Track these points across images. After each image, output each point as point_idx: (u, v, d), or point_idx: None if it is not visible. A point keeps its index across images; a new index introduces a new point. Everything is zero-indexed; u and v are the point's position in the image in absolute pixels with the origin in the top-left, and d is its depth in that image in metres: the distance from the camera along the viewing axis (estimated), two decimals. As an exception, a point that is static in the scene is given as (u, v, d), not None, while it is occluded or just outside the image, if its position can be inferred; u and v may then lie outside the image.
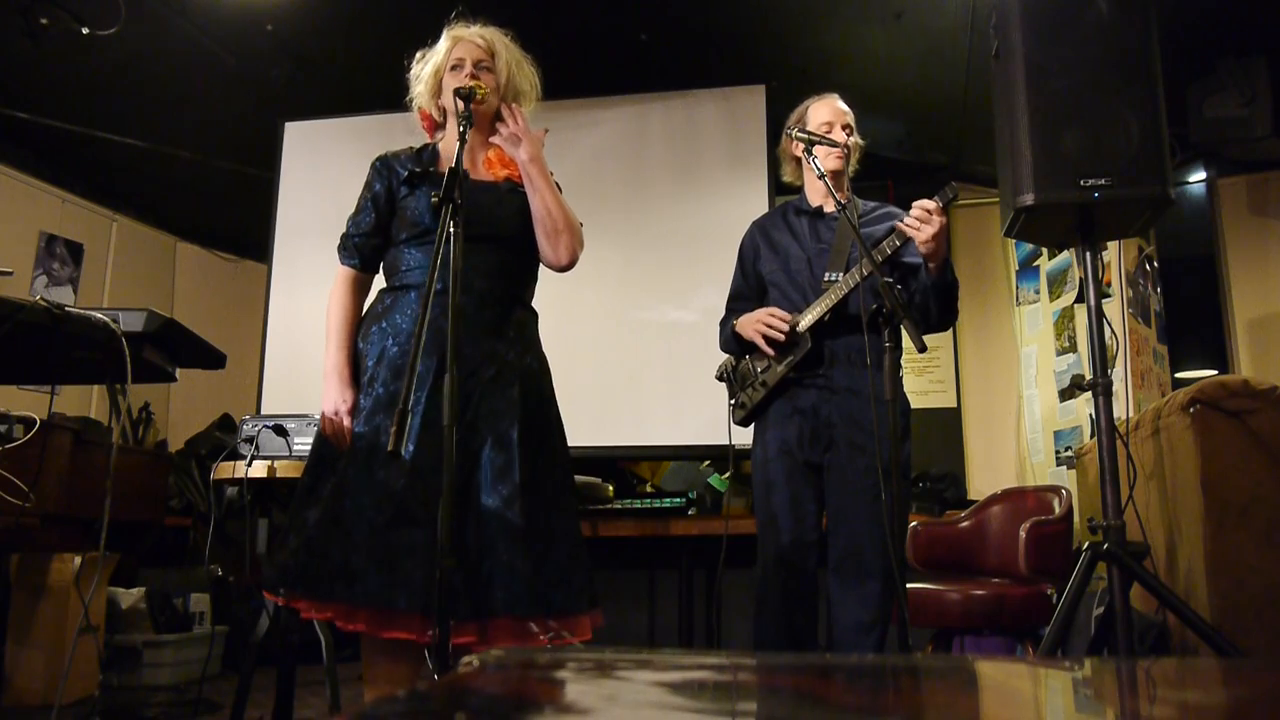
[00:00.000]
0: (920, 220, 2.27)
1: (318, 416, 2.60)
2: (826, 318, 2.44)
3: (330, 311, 2.09)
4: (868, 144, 2.66)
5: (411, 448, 1.87)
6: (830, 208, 2.60)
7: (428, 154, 2.17)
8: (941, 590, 2.73)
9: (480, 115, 2.09)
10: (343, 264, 2.14)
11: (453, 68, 2.11)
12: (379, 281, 2.18)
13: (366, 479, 1.90)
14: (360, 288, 2.14)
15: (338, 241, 2.16)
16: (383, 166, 2.14)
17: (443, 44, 2.17)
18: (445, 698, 0.64)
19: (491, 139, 2.13)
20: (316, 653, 2.76)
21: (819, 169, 2.37)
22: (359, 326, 2.10)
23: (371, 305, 2.13)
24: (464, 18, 2.20)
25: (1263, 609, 2.32)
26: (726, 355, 2.71)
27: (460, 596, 1.82)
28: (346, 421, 1.97)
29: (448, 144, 2.14)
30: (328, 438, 2.00)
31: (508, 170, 2.11)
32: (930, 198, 2.33)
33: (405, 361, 1.95)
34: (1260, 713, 0.64)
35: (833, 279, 2.47)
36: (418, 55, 2.21)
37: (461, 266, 1.72)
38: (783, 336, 2.45)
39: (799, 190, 2.72)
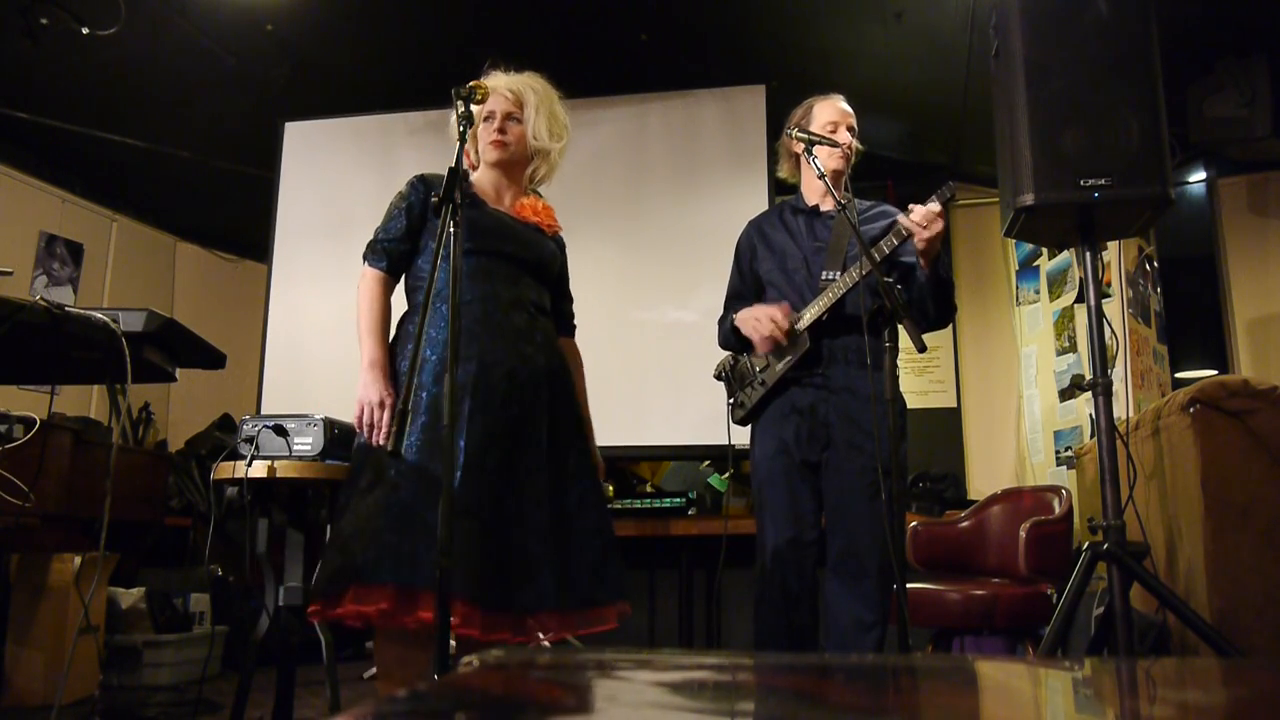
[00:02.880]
0: (926, 220, 2.27)
1: (318, 416, 2.62)
2: (824, 317, 2.44)
3: (363, 310, 2.13)
4: (868, 144, 2.66)
5: (462, 442, 1.93)
6: (826, 206, 2.59)
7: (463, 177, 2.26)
8: (941, 590, 2.73)
9: (505, 166, 2.24)
10: (371, 266, 2.18)
11: (485, 119, 2.22)
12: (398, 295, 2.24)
13: (424, 476, 1.93)
14: (387, 289, 2.19)
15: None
16: (420, 183, 2.22)
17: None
18: (445, 698, 0.64)
19: None
20: (316, 653, 2.75)
21: (819, 169, 2.37)
22: (394, 345, 2.16)
23: (401, 325, 2.18)
24: (496, 66, 2.29)
25: (1263, 609, 2.32)
26: (725, 354, 2.71)
27: (500, 588, 1.90)
28: (386, 414, 2.01)
29: (479, 180, 2.26)
30: (363, 430, 2.03)
31: (536, 219, 2.25)
32: (929, 197, 2.33)
33: (443, 369, 1.99)
34: (1260, 713, 0.64)
35: (830, 278, 2.47)
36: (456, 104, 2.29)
37: (486, 276, 1.92)
38: (784, 340, 2.45)
39: (797, 189, 2.72)
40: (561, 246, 2.34)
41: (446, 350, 1.94)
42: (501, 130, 2.20)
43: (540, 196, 2.34)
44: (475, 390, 1.99)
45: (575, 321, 2.43)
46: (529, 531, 1.97)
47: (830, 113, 2.57)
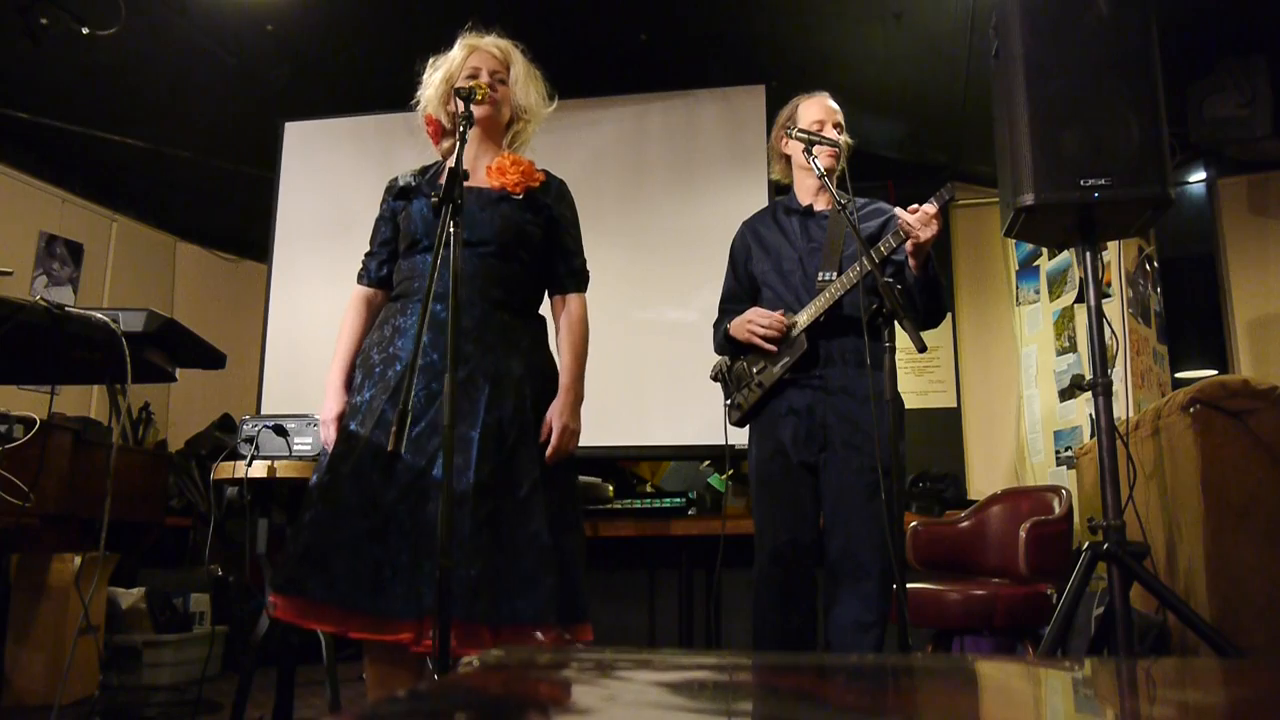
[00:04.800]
0: (921, 223, 2.27)
1: (318, 416, 2.62)
2: (821, 319, 2.44)
3: (340, 329, 2.17)
4: (868, 144, 2.66)
5: (367, 448, 1.92)
6: (820, 206, 2.59)
7: (433, 169, 2.22)
8: (941, 590, 2.73)
9: (487, 126, 2.13)
10: (356, 283, 2.21)
11: (468, 77, 2.11)
12: None
13: (331, 480, 1.94)
14: (368, 305, 2.19)
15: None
16: (391, 185, 2.21)
17: (457, 51, 2.16)
18: (445, 698, 0.64)
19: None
20: (316, 653, 2.75)
21: (819, 168, 2.37)
22: (373, 337, 2.13)
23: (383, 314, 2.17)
24: (478, 27, 2.20)
25: (1263, 609, 2.32)
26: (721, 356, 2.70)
27: (400, 597, 1.83)
28: (332, 430, 2.04)
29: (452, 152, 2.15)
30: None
31: (503, 180, 2.10)
32: (929, 198, 2.34)
33: (383, 369, 2.01)
34: (1260, 713, 0.64)
35: (826, 279, 2.46)
36: (430, 61, 2.21)
37: (442, 271, 1.72)
38: (779, 334, 2.45)
39: (792, 189, 2.71)
40: (537, 201, 2.12)
41: (388, 351, 2.00)
42: (491, 88, 2.09)
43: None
44: (394, 393, 1.93)
45: (580, 273, 2.20)
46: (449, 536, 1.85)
47: (816, 111, 2.56)
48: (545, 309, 2.22)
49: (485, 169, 2.14)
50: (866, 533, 2.34)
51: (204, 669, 3.36)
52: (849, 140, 2.57)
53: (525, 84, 2.16)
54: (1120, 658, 2.05)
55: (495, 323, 2.01)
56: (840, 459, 2.40)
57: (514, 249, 2.06)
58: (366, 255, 2.22)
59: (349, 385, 2.08)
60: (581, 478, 3.76)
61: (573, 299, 2.17)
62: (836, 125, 2.54)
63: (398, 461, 1.87)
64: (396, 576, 1.84)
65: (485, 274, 2.02)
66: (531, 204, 2.11)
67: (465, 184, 2.04)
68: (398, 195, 2.17)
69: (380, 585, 1.85)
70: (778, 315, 2.46)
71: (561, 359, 2.13)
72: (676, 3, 3.95)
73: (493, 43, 2.16)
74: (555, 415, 2.04)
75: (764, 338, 2.46)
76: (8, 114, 4.37)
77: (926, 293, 2.41)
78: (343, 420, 2.02)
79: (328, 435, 2.04)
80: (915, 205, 2.32)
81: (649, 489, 4.30)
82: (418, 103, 2.23)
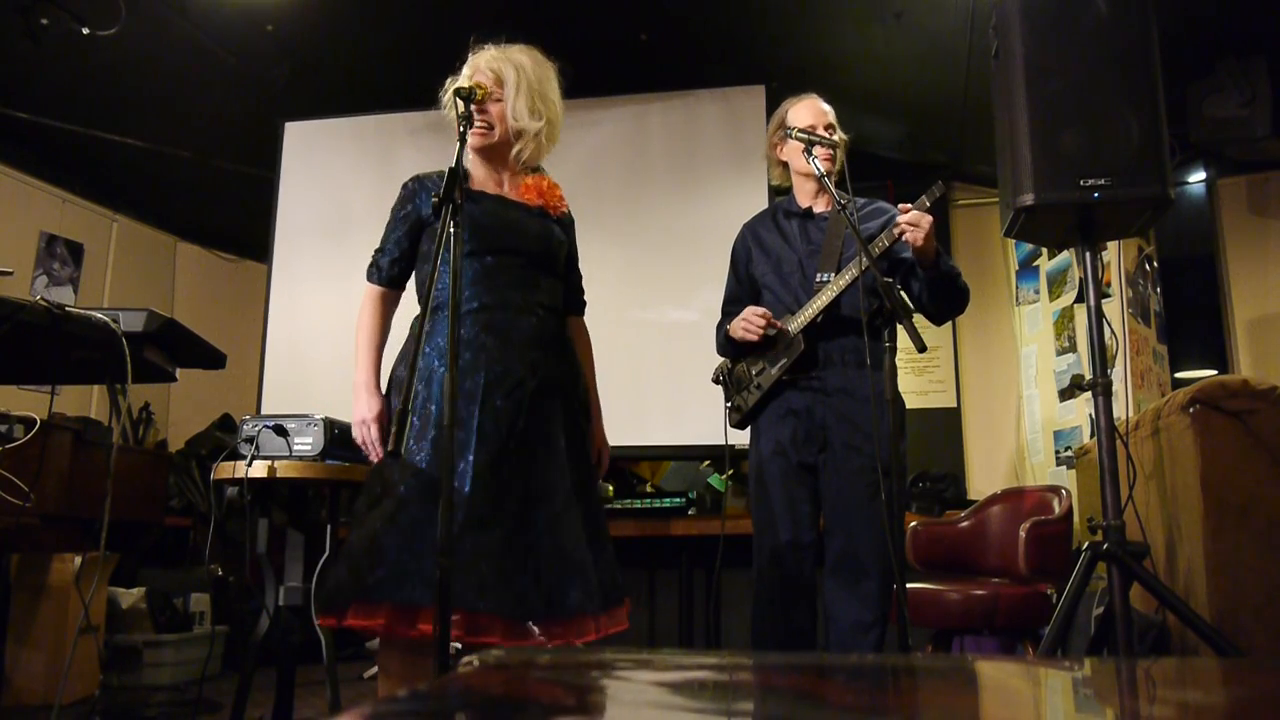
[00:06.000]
0: (912, 226, 2.29)
1: (318, 416, 2.62)
2: (819, 319, 2.44)
3: (359, 329, 2.16)
4: (868, 144, 2.67)
5: (471, 457, 1.93)
6: (820, 208, 2.60)
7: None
8: (941, 590, 2.73)
9: (496, 148, 2.15)
10: (369, 283, 2.19)
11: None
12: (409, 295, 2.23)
13: (430, 491, 1.92)
14: (386, 304, 2.20)
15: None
16: (417, 187, 2.18)
17: (465, 71, 2.20)
18: (445, 698, 0.64)
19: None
20: (316, 653, 2.76)
21: (819, 169, 2.37)
22: (404, 350, 2.14)
23: (411, 328, 2.12)
24: (480, 31, 2.22)
25: (1263, 609, 2.32)
26: (723, 358, 2.71)
27: (542, 599, 1.92)
28: (373, 430, 2.05)
29: (474, 168, 2.19)
30: (376, 463, 2.07)
31: (542, 200, 2.18)
32: (920, 196, 2.35)
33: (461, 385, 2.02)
34: (1260, 713, 0.64)
35: (824, 280, 2.47)
36: (448, 81, 2.22)
37: (492, 281, 1.88)
38: (759, 332, 2.44)
39: (790, 191, 2.72)
40: (567, 226, 2.26)
41: (459, 367, 2.01)
42: (482, 111, 2.09)
43: (544, 173, 2.24)
44: (484, 404, 1.97)
45: (585, 300, 2.37)
46: (563, 538, 1.97)
47: (807, 115, 2.56)
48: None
49: (519, 186, 2.19)
50: (866, 533, 2.34)
51: (204, 669, 3.35)
52: (844, 136, 2.57)
53: (517, 100, 2.11)
54: (1120, 658, 2.05)
55: (549, 328, 2.12)
56: (840, 459, 2.40)
57: (553, 261, 2.17)
58: (378, 252, 2.18)
59: (378, 383, 2.13)
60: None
61: (581, 321, 2.35)
62: (828, 127, 2.54)
63: (499, 477, 1.95)
64: (537, 583, 1.93)
65: (533, 282, 2.11)
66: (563, 225, 2.24)
67: (505, 198, 2.16)
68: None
69: (521, 591, 1.94)
70: (766, 313, 2.46)
71: (585, 379, 2.29)
72: (676, 3, 3.95)
73: (488, 61, 2.15)
74: (602, 441, 2.32)
75: (748, 330, 2.46)
76: (8, 114, 4.37)
77: (944, 288, 2.42)
78: (403, 430, 2.02)
79: (364, 435, 2.06)
80: (905, 205, 2.33)
81: (649, 489, 4.30)
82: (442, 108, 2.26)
